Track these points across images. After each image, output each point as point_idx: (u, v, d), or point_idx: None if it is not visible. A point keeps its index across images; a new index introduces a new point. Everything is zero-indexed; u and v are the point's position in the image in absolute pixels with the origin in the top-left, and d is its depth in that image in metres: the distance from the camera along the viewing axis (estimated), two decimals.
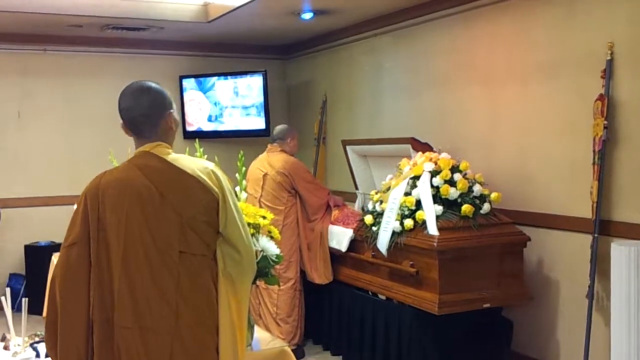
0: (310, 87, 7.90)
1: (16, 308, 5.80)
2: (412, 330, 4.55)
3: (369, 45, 6.75)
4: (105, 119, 7.21)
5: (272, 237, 3.11)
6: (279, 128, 5.82)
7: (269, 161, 5.60)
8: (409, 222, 4.50)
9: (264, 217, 3.08)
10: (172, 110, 2.48)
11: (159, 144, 2.43)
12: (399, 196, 4.64)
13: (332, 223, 5.49)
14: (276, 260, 3.00)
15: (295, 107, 8.34)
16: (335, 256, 5.40)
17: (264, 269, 2.94)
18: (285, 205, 5.49)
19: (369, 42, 6.72)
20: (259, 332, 3.14)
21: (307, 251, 5.52)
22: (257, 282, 3.01)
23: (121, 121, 2.46)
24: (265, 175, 5.55)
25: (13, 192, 7.15)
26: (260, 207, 4.98)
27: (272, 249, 3.00)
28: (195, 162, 2.43)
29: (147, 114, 2.41)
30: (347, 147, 6.07)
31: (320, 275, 5.43)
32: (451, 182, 4.57)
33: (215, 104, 7.85)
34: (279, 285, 5.20)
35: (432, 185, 4.56)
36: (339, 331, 5.40)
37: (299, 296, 5.54)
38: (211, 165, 2.45)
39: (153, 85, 2.46)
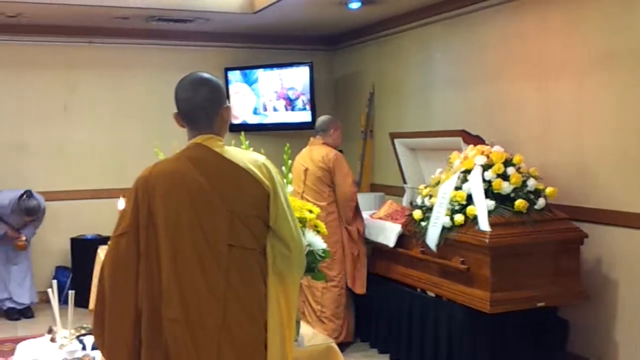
0: (358, 78, 7.78)
1: (62, 301, 5.86)
2: (462, 329, 4.46)
3: (417, 35, 6.60)
4: (151, 112, 7.27)
5: (318, 232, 3.04)
6: (321, 119, 5.70)
7: (310, 155, 5.47)
8: (459, 218, 4.39)
9: (311, 211, 3.02)
10: (228, 104, 2.47)
11: (211, 136, 2.41)
12: (449, 190, 4.54)
13: (381, 218, 5.36)
14: (323, 255, 2.96)
15: (341, 100, 8.23)
16: (382, 252, 5.29)
17: (311, 264, 2.91)
18: (327, 201, 5.32)
19: (418, 32, 6.58)
20: (302, 328, 3.08)
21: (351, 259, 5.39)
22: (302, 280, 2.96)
23: (175, 112, 2.44)
24: (306, 170, 5.41)
25: (59, 185, 7.19)
26: None
27: (319, 243, 2.97)
28: (246, 155, 2.42)
29: (205, 107, 2.40)
30: (396, 140, 5.97)
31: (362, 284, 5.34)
32: (504, 176, 4.46)
33: (260, 96, 7.78)
34: (325, 281, 5.09)
35: (483, 180, 4.46)
36: (386, 329, 5.30)
37: (345, 294, 5.38)
38: (262, 158, 2.43)
39: (212, 77, 2.45)
